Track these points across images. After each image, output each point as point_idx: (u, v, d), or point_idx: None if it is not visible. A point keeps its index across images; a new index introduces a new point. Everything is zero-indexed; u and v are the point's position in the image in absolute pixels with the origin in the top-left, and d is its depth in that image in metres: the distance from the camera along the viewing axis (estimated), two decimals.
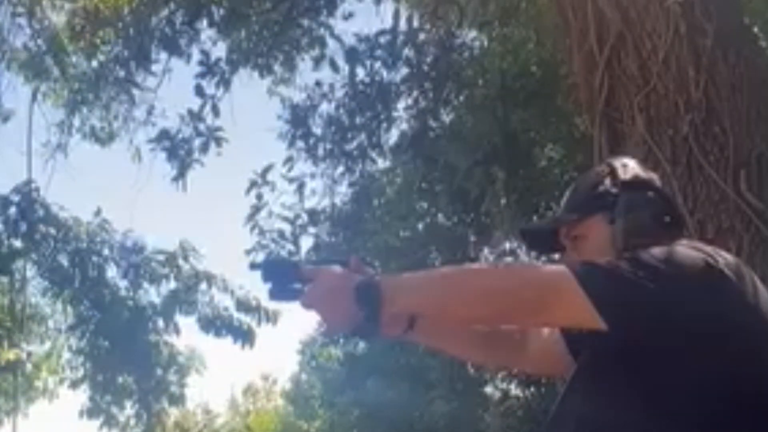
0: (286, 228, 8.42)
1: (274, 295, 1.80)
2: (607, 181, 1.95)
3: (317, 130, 8.37)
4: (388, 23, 7.98)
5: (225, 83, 7.82)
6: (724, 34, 4.06)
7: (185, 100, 8.17)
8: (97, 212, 9.28)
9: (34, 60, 9.09)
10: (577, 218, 1.97)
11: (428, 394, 11.04)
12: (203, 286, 9.20)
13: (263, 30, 8.07)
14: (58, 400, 10.64)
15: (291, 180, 8.26)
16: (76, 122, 9.48)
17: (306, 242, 8.50)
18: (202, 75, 7.77)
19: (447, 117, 8.48)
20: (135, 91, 8.79)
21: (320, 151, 8.32)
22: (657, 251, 1.67)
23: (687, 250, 1.70)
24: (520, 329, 2.11)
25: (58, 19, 9.06)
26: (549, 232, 2.05)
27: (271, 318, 9.04)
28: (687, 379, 1.60)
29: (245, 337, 8.97)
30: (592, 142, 4.15)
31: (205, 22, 7.91)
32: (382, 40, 7.85)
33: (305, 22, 8.16)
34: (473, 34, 8.61)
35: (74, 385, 9.44)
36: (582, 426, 1.69)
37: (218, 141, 7.98)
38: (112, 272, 9.16)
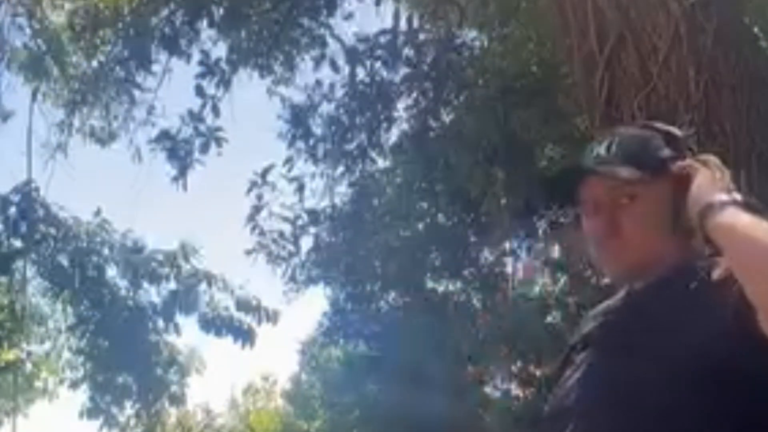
0: (286, 228, 8.43)
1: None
2: (668, 149, 1.70)
3: (317, 130, 8.38)
4: (388, 23, 7.99)
5: (225, 83, 7.82)
6: (724, 34, 4.06)
7: (185, 100, 8.19)
8: (97, 212, 9.29)
9: (34, 60, 9.08)
10: (646, 178, 1.65)
11: (428, 394, 11.04)
12: (203, 285, 9.21)
13: (263, 30, 8.07)
14: (58, 400, 10.65)
15: (291, 180, 8.27)
16: (76, 122, 9.48)
17: (306, 242, 8.52)
18: (202, 75, 7.77)
19: (447, 117, 8.48)
20: (135, 91, 8.79)
21: (320, 151, 8.32)
22: None
23: None
24: None
25: (58, 19, 9.06)
26: (587, 180, 1.71)
27: (271, 318, 9.05)
28: None
29: (245, 336, 8.98)
30: (592, 142, 4.15)
31: (205, 22, 7.91)
32: (382, 40, 7.85)
33: (305, 22, 8.16)
34: (473, 34, 8.61)
35: (74, 385, 9.45)
36: None
37: (218, 141, 7.99)
38: (112, 272, 9.17)
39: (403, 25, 7.87)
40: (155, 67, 8.41)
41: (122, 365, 9.03)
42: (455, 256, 8.79)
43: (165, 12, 8.01)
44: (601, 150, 1.72)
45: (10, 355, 9.26)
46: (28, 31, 9.10)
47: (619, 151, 1.70)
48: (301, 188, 8.28)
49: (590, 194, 1.69)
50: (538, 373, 9.56)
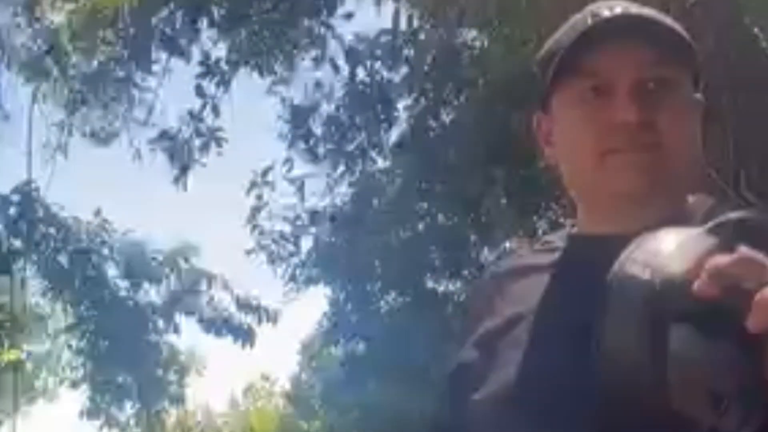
0: (286, 228, 8.44)
1: None
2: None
3: (317, 130, 8.38)
4: (388, 23, 7.98)
5: (225, 83, 7.83)
6: (724, 34, 4.06)
7: (185, 100, 8.20)
8: (97, 212, 9.30)
9: (34, 60, 9.09)
10: (681, 59, 1.15)
11: (428, 394, 11.04)
12: (203, 286, 9.22)
13: (263, 30, 8.07)
14: (58, 400, 10.65)
15: (291, 180, 8.28)
16: (76, 122, 9.49)
17: (306, 242, 8.52)
18: (202, 75, 7.78)
19: (447, 117, 8.49)
20: (135, 91, 8.80)
21: (320, 151, 8.33)
22: None
23: None
24: None
25: (58, 19, 9.06)
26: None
27: (271, 318, 9.06)
28: None
29: (245, 336, 8.99)
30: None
31: (205, 22, 7.92)
32: (382, 40, 7.85)
33: (305, 22, 8.16)
34: (473, 34, 8.60)
35: (74, 385, 9.46)
36: None
37: (218, 141, 8.00)
38: (112, 272, 9.18)
39: (403, 25, 7.87)
40: (155, 67, 8.43)
41: (122, 365, 9.04)
42: (455, 256, 8.78)
43: (165, 12, 8.01)
44: (633, 9, 1.15)
45: (11, 355, 9.26)
46: (28, 31, 9.10)
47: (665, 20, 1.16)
48: (301, 188, 8.29)
49: (626, 62, 1.11)
50: None
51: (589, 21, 1.14)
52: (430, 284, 9.12)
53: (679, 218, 1.04)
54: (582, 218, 1.23)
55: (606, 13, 1.13)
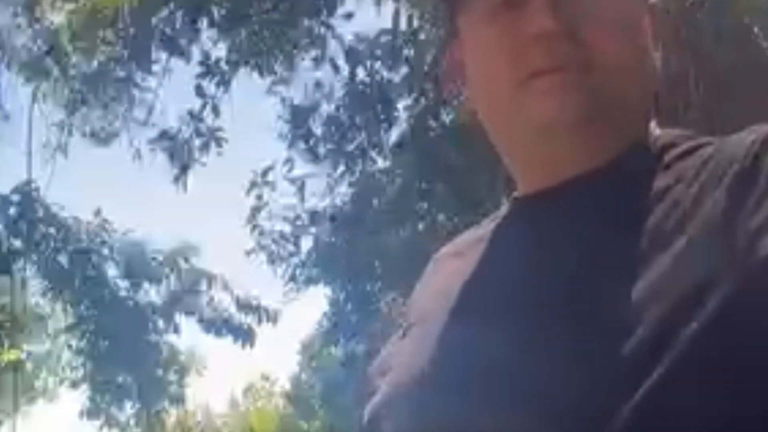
0: (286, 228, 8.44)
1: None
2: None
3: (317, 130, 8.38)
4: (388, 23, 7.99)
5: (225, 83, 7.84)
6: (724, 34, 4.06)
7: (185, 100, 8.21)
8: (97, 212, 9.30)
9: (34, 60, 9.09)
10: None
11: None
12: (203, 286, 9.22)
13: (263, 30, 8.07)
14: (58, 400, 10.65)
15: (291, 180, 8.28)
16: (76, 122, 9.49)
17: (306, 242, 8.53)
18: (202, 75, 7.78)
19: (447, 117, 8.49)
20: (135, 91, 8.80)
21: (320, 151, 8.33)
22: None
23: None
24: None
25: (58, 19, 9.06)
26: None
27: (271, 318, 9.06)
28: None
29: (245, 336, 8.99)
30: None
31: (205, 22, 7.92)
32: (382, 40, 7.85)
33: (305, 22, 8.16)
34: None
35: (74, 385, 9.46)
36: None
37: (218, 141, 8.00)
38: (112, 272, 9.19)
39: (403, 25, 7.87)
40: (155, 67, 8.44)
41: (122, 365, 9.04)
42: None
43: (165, 12, 8.02)
44: None
45: (11, 355, 9.26)
46: (28, 31, 9.11)
47: None
48: (301, 188, 8.29)
49: None
50: None
51: None
52: None
53: (638, 158, 0.87)
54: (519, 176, 1.00)
55: None
